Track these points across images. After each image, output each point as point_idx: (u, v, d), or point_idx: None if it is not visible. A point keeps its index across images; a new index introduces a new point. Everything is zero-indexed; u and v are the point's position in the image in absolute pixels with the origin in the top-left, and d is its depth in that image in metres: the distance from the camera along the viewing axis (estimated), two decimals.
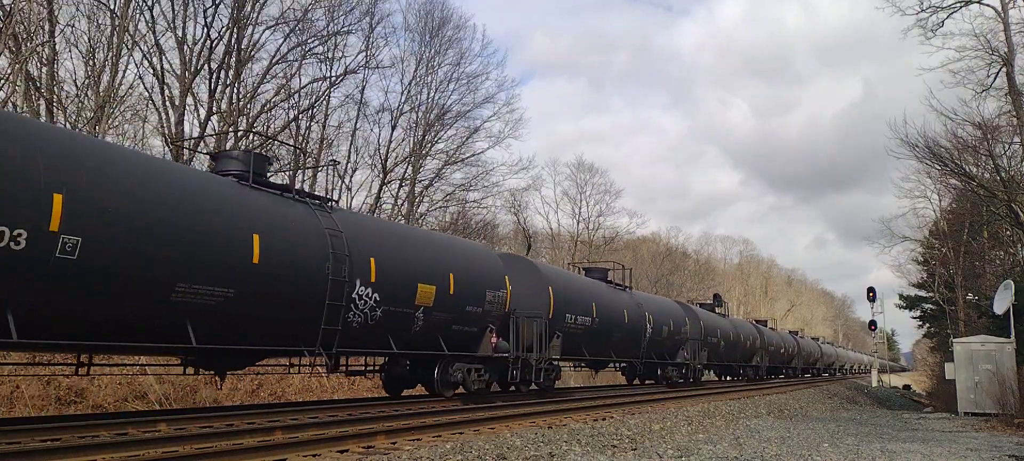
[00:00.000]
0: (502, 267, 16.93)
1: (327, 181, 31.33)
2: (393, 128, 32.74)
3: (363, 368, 15.62)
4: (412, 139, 33.16)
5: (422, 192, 33.72)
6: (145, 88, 23.73)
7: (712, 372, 37.70)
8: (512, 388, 18.46)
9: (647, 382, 28.14)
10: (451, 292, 14.42)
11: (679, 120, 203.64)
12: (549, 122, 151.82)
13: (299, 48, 27.35)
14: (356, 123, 31.40)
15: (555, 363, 19.05)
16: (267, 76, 26.59)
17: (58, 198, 8.25)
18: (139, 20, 23.04)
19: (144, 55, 23.39)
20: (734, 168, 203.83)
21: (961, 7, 22.48)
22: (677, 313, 28.40)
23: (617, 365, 26.79)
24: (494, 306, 15.87)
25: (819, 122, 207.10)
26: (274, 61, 26.61)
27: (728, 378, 38.97)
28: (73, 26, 21.70)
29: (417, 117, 33.31)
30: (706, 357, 30.10)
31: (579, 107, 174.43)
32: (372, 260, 12.51)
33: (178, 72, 23.95)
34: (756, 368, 39.51)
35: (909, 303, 46.26)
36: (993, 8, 22.33)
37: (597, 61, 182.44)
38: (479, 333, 15.63)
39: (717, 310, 35.77)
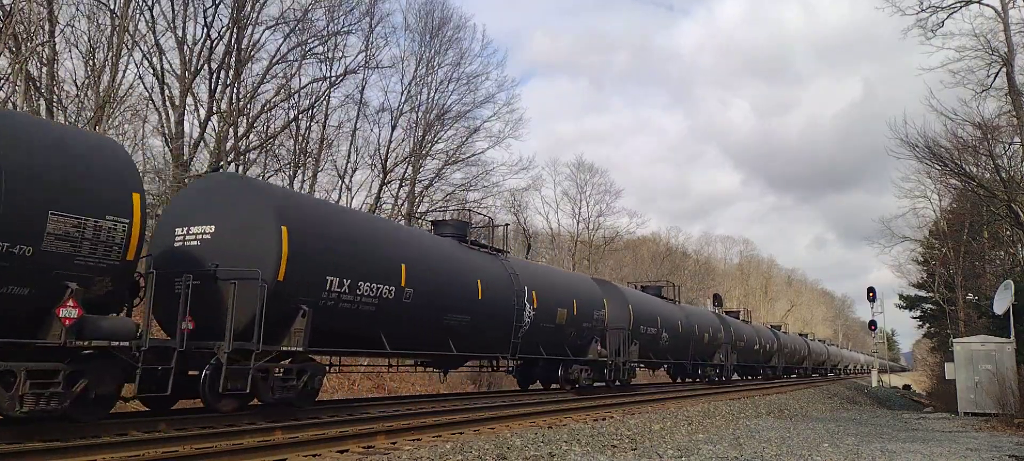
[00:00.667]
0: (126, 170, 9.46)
1: (327, 181, 31.42)
2: (393, 128, 32.76)
3: None
4: (412, 139, 33.17)
5: (422, 192, 33.73)
6: (145, 88, 23.74)
7: (664, 370, 31.88)
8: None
9: (552, 387, 21.16)
10: None
11: (679, 120, 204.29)
12: (549, 122, 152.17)
13: (299, 48, 27.35)
14: (356, 123, 31.42)
15: (308, 360, 12.10)
16: (267, 76, 26.57)
17: None
18: (139, 20, 23.04)
19: (144, 55, 23.40)
20: (734, 168, 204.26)
21: (961, 7, 22.49)
22: (588, 292, 20.97)
23: (493, 364, 18.46)
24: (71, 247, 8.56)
25: (819, 122, 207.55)
26: (274, 61, 26.60)
27: (686, 380, 31.95)
28: (73, 26, 21.71)
29: (417, 117, 33.33)
30: (639, 352, 23.55)
31: (580, 107, 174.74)
32: None
33: (178, 72, 23.95)
34: (719, 368, 32.59)
35: (909, 303, 46.31)
36: (993, 8, 22.36)
37: (598, 61, 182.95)
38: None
39: (663, 295, 29.24)
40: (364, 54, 30.24)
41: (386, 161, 32.30)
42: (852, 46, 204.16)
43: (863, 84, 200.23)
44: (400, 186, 32.98)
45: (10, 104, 18.40)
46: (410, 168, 32.96)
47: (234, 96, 25.79)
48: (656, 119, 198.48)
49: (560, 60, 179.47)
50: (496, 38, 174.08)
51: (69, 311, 8.55)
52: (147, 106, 24.04)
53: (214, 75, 24.87)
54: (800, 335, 62.07)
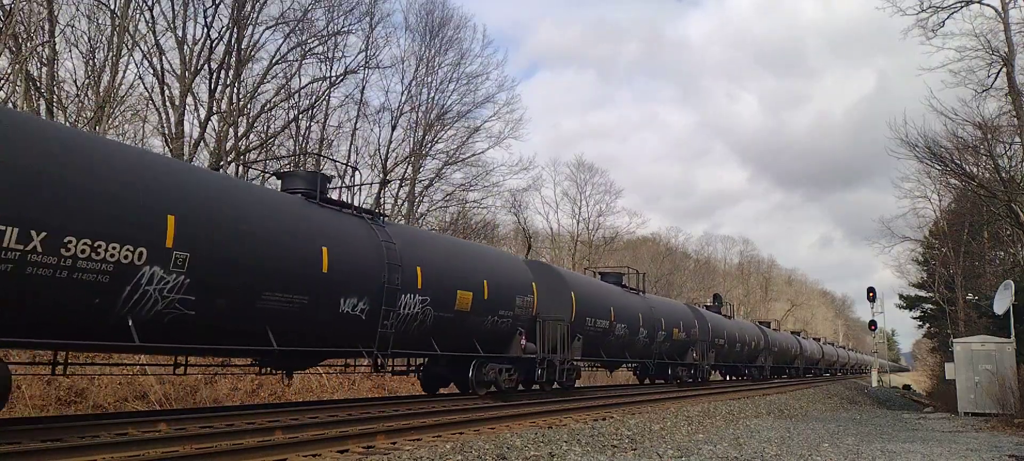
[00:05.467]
0: None
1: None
2: (393, 128, 32.80)
3: None
4: (412, 139, 33.20)
5: (422, 192, 33.75)
6: (145, 88, 23.76)
7: (627, 369, 28.63)
8: None
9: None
10: None
11: (686, 115, 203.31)
12: (555, 116, 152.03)
13: (299, 48, 27.37)
14: (356, 123, 31.47)
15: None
16: (267, 76, 26.60)
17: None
18: (139, 20, 23.06)
19: (144, 55, 23.41)
20: (740, 165, 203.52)
21: (961, 7, 22.47)
22: (509, 273, 17.16)
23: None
24: None
25: (830, 117, 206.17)
26: (274, 61, 26.63)
27: (657, 381, 27.76)
28: (73, 26, 21.73)
29: (417, 117, 33.35)
30: (582, 349, 19.78)
31: (586, 101, 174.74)
32: None
33: (178, 72, 23.95)
34: (693, 368, 28.02)
35: (909, 303, 46.29)
36: (993, 8, 22.34)
37: (605, 52, 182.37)
38: None
39: (625, 284, 25.05)
40: (364, 54, 30.32)
41: (386, 161, 32.34)
42: (865, 39, 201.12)
43: (877, 77, 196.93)
44: (400, 186, 33.02)
45: (10, 104, 18.41)
46: (410, 168, 32.98)
47: (234, 96, 25.81)
48: (662, 114, 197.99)
49: (568, 51, 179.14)
50: (503, 28, 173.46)
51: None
52: (147, 106, 24.08)
53: (214, 75, 24.89)
54: (792, 333, 57.36)
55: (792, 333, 53.95)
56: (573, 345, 18.79)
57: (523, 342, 17.12)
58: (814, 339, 63.18)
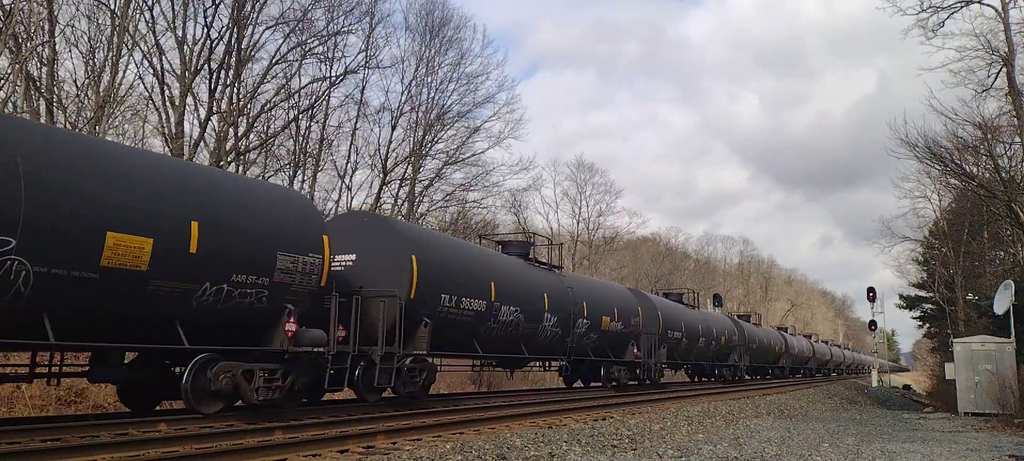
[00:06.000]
0: None
1: (327, 181, 31.43)
2: (393, 128, 32.79)
3: None
4: (412, 139, 33.19)
5: (422, 192, 33.74)
6: (145, 88, 23.74)
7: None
8: None
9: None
10: None
11: (686, 114, 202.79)
12: (555, 116, 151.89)
13: (299, 48, 27.35)
14: (356, 123, 31.44)
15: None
16: (267, 76, 26.58)
17: None
18: (139, 20, 23.04)
19: (144, 55, 23.39)
20: (741, 165, 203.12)
21: (961, 7, 22.48)
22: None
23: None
24: None
25: (830, 117, 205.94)
26: (274, 61, 26.61)
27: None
28: (73, 26, 21.72)
29: (417, 117, 33.34)
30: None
31: (586, 101, 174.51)
32: None
33: (178, 72, 23.94)
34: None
35: (909, 303, 46.29)
36: (993, 8, 22.35)
37: (606, 52, 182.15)
38: None
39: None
40: (364, 54, 30.30)
41: (386, 161, 32.33)
42: (866, 39, 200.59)
43: (877, 77, 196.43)
44: (400, 186, 33.02)
45: (10, 104, 18.41)
46: (410, 168, 32.98)
47: (234, 96, 25.79)
48: (663, 113, 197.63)
49: (568, 51, 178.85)
50: (503, 28, 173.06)
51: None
52: (147, 106, 24.07)
53: (214, 75, 24.88)
54: (778, 328, 54.23)
55: (777, 329, 53.13)
56: (417, 334, 13.61)
57: (290, 327, 11.23)
58: (804, 336, 61.38)
